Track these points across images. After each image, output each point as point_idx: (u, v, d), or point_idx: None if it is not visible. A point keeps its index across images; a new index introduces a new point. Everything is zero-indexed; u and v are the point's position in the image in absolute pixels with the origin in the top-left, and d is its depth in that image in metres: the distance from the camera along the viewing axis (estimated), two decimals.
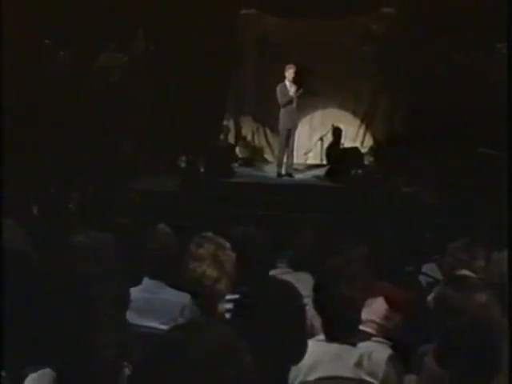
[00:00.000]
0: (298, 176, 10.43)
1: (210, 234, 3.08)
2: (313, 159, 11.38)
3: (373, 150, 10.76)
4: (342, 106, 11.44)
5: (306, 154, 11.36)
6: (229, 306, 2.88)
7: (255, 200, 8.83)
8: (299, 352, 1.95)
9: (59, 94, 9.88)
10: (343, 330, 2.56)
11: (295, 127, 10.26)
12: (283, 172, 10.29)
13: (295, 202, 8.71)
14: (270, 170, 10.73)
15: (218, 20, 10.74)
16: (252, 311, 1.86)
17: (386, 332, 2.91)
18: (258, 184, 9.85)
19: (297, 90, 10.02)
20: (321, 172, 10.51)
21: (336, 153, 10.39)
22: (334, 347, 2.55)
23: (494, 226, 5.49)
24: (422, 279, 4.35)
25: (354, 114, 11.43)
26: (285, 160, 10.29)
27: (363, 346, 2.57)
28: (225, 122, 11.53)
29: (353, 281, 2.57)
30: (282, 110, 10.10)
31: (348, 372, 2.50)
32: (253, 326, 1.82)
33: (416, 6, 10.04)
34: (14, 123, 8.59)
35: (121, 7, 10.13)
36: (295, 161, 10.58)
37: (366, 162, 10.47)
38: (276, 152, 10.85)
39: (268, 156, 11.62)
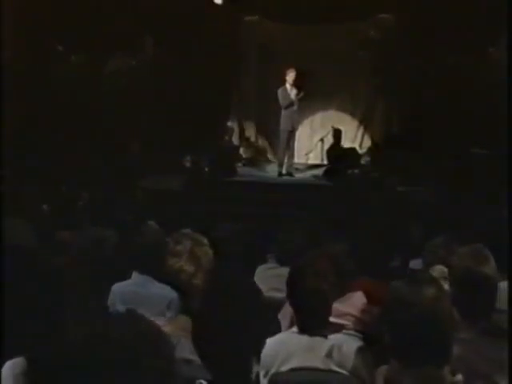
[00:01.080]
0: (298, 175, 10.57)
1: (188, 230, 3.14)
2: (313, 159, 11.49)
3: (370, 151, 10.85)
4: (341, 108, 11.53)
5: (306, 154, 11.50)
6: None
7: (255, 198, 9.00)
8: (257, 346, 2.07)
9: (67, 96, 10.05)
10: (313, 322, 2.66)
11: (296, 129, 10.36)
12: (284, 171, 10.43)
13: (294, 200, 8.86)
14: (272, 170, 10.88)
15: (222, 26, 10.85)
16: (215, 307, 2.01)
17: (363, 325, 2.93)
18: (259, 183, 10.02)
19: (297, 93, 10.10)
20: (320, 172, 10.62)
21: (335, 153, 10.49)
22: (306, 339, 2.64)
23: (481, 223, 5.63)
24: None
25: (353, 115, 11.52)
26: (286, 160, 10.42)
27: (334, 337, 2.65)
28: (229, 124, 11.66)
29: (322, 275, 2.65)
30: (283, 113, 10.19)
31: (319, 363, 2.60)
32: (216, 321, 1.97)
33: (413, 11, 10.05)
34: (26, 124, 8.83)
35: (127, 12, 10.29)
36: (296, 161, 10.73)
37: (362, 162, 10.55)
38: (277, 152, 10.95)
39: (270, 156, 11.72)
